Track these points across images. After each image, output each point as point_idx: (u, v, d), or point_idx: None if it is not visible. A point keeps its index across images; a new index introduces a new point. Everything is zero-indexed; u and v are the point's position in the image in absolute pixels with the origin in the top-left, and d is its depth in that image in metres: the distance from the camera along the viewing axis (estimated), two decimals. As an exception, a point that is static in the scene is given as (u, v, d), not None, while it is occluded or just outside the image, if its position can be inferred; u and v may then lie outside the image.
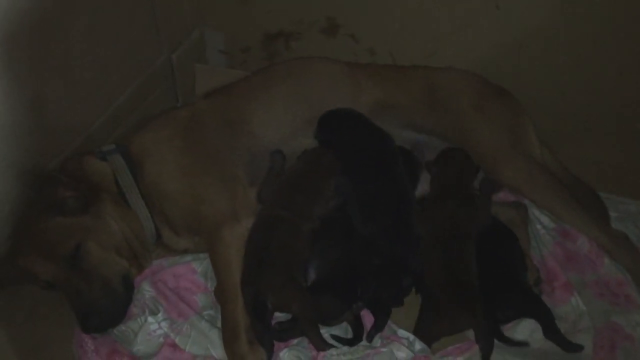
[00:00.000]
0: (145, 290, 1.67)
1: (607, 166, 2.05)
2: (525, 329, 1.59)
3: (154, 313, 1.62)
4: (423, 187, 1.87)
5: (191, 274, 1.73)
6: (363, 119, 1.84)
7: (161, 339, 1.59)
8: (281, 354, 1.54)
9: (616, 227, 1.85)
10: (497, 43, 2.03)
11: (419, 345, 1.55)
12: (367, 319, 1.59)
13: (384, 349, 1.49)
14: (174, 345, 1.58)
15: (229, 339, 1.52)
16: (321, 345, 1.48)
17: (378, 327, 1.55)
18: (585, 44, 1.93)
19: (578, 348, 1.54)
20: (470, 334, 1.59)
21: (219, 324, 1.60)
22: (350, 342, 1.54)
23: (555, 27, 1.94)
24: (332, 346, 1.49)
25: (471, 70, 2.00)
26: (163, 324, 1.60)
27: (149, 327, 1.59)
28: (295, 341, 1.57)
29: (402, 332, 1.58)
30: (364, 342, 1.54)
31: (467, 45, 2.07)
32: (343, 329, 1.61)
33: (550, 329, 1.55)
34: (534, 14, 1.94)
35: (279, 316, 1.57)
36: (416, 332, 1.57)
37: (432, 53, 2.11)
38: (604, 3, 1.84)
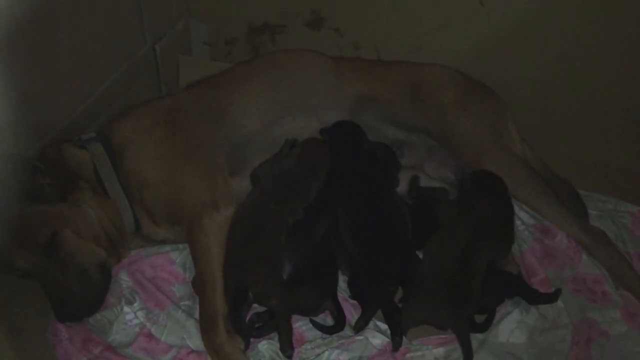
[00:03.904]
0: (123, 279, 1.66)
1: (587, 164, 2.06)
2: (506, 328, 1.60)
3: (130, 303, 1.60)
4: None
5: (169, 264, 1.72)
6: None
7: (137, 329, 1.57)
8: (259, 345, 1.53)
9: (595, 224, 1.86)
10: (481, 39, 2.04)
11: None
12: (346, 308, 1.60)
13: (359, 337, 1.49)
14: (150, 335, 1.56)
15: (206, 328, 1.51)
16: (287, 347, 1.45)
17: (366, 318, 1.55)
18: (569, 42, 1.95)
19: (557, 293, 1.63)
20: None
21: (196, 315, 1.59)
22: (332, 330, 1.54)
23: (538, 24, 1.96)
24: (293, 349, 1.47)
25: (455, 66, 2.01)
26: (139, 313, 1.59)
27: (125, 317, 1.58)
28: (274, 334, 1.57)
29: (381, 324, 1.58)
30: (342, 332, 1.54)
31: (451, 41, 2.08)
32: (321, 319, 1.61)
33: (532, 296, 1.62)
34: (517, 11, 1.95)
35: (256, 307, 1.56)
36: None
37: (416, 49, 2.12)
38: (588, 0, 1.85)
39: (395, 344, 1.50)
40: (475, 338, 1.57)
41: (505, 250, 1.71)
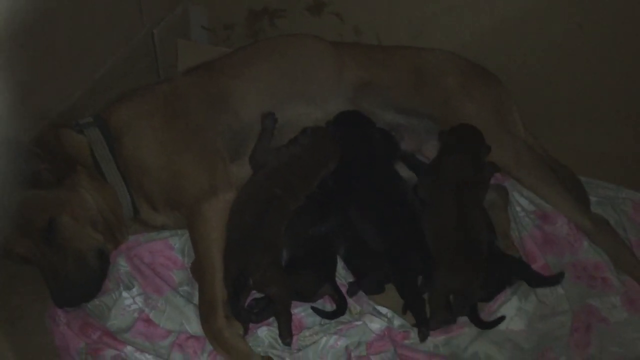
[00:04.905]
0: (121, 265, 1.65)
1: (588, 150, 2.04)
2: (507, 314, 1.59)
3: (128, 288, 1.60)
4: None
5: (168, 250, 1.71)
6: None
7: (135, 314, 1.57)
8: (259, 331, 1.53)
9: (595, 211, 1.85)
10: (483, 26, 2.02)
11: (397, 321, 1.56)
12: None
13: (357, 323, 1.49)
14: (148, 321, 1.56)
15: (206, 313, 1.51)
16: (286, 334, 1.45)
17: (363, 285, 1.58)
18: (571, 29, 1.93)
19: (560, 277, 1.63)
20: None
21: (195, 300, 1.59)
22: (333, 315, 1.54)
23: (540, 11, 1.93)
24: (292, 336, 1.47)
25: (457, 52, 2.00)
26: (138, 299, 1.58)
27: (123, 302, 1.58)
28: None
29: (381, 309, 1.59)
30: (341, 318, 1.54)
31: (453, 27, 2.06)
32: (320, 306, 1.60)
33: (533, 278, 1.62)
34: (520, -3, 1.93)
35: (254, 292, 1.56)
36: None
37: (417, 34, 2.10)
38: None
39: (422, 335, 1.50)
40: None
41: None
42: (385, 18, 2.13)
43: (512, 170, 1.83)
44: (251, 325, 1.52)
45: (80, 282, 1.54)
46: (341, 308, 1.53)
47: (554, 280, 1.63)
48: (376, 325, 1.50)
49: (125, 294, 1.59)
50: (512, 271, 1.63)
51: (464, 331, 1.57)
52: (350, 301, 1.58)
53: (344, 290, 1.58)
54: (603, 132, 2.09)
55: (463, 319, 1.57)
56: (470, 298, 1.53)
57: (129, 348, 1.48)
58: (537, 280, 1.63)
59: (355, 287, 1.56)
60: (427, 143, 1.94)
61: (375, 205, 1.68)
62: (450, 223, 1.59)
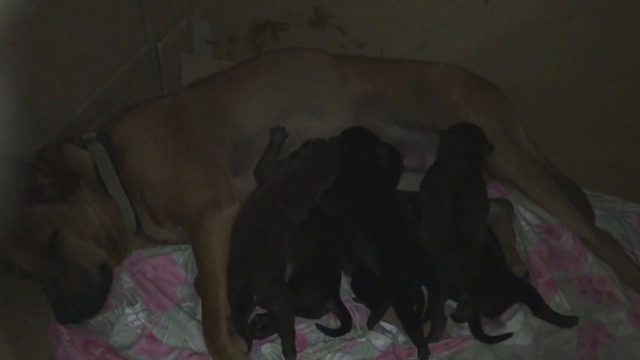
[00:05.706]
0: (124, 280, 1.65)
1: (593, 163, 2.04)
2: (512, 329, 1.58)
3: (131, 304, 1.59)
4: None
5: (171, 265, 1.71)
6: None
7: (138, 330, 1.56)
8: (262, 348, 1.52)
9: (601, 224, 1.85)
10: (485, 38, 2.01)
11: (402, 337, 1.55)
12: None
13: (361, 340, 1.48)
14: (151, 337, 1.55)
15: (209, 329, 1.50)
16: (289, 351, 1.43)
17: (377, 315, 1.55)
18: (574, 40, 1.92)
19: (572, 322, 1.56)
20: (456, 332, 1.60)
21: (198, 316, 1.58)
22: (338, 332, 1.52)
23: (543, 23, 1.93)
24: (295, 353, 1.45)
25: (459, 64, 1.99)
26: (141, 315, 1.58)
27: (126, 318, 1.57)
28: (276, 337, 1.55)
29: (385, 325, 1.58)
30: (347, 335, 1.53)
31: (455, 39, 2.05)
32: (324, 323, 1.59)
33: (540, 308, 1.57)
34: (522, 9, 1.92)
35: (258, 308, 1.54)
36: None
37: (420, 47, 2.10)
38: (594, -1, 1.83)
39: (422, 356, 1.47)
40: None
41: (487, 204, 1.72)
42: (387, 31, 2.13)
43: (518, 181, 1.82)
44: (254, 341, 1.51)
45: (83, 297, 1.54)
46: (346, 325, 1.52)
47: (565, 322, 1.58)
48: (380, 342, 1.49)
49: (128, 310, 1.58)
50: (520, 297, 1.60)
51: (468, 344, 1.56)
52: (354, 317, 1.57)
53: (348, 306, 1.57)
54: (608, 144, 2.08)
55: (467, 333, 1.56)
56: (470, 292, 1.51)
57: (131, 365, 1.47)
58: (547, 315, 1.58)
59: (374, 320, 1.54)
60: (429, 158, 1.92)
61: (376, 231, 1.64)
62: (445, 220, 1.59)
